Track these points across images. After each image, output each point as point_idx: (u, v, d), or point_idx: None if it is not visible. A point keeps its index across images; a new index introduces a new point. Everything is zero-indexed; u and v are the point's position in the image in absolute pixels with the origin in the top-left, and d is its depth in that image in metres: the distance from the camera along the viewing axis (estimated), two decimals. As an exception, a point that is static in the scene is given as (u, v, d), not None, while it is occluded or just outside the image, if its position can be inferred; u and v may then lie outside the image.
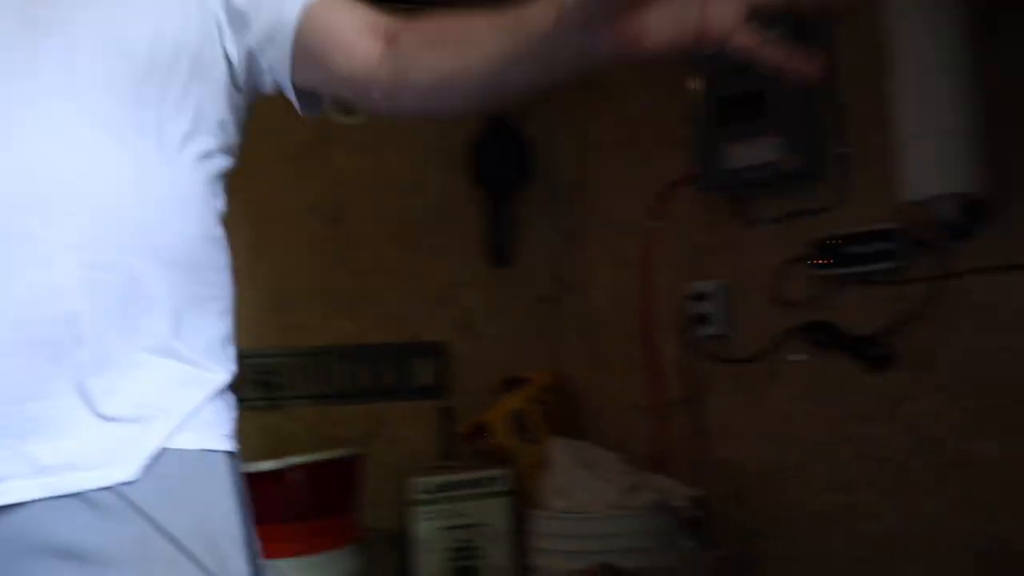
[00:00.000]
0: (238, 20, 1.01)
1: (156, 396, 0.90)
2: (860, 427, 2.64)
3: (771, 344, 2.77)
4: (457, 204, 3.20)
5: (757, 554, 2.82)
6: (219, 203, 1.02)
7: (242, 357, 1.02)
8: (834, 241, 2.61)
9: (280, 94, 1.06)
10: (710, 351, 2.90)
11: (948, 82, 2.25)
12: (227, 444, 0.96)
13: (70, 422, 0.86)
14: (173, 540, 0.86)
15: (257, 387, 2.97)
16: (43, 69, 0.89)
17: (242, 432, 0.98)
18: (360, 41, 0.99)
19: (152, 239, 0.91)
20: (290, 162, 2.99)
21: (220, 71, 1.00)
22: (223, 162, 1.02)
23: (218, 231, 1.01)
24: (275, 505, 2.51)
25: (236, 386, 0.99)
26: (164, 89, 0.94)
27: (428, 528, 2.98)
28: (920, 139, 2.28)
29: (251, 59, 1.02)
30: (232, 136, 1.04)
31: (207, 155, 0.99)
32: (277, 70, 1.02)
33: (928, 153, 2.27)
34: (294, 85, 1.03)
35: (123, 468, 0.86)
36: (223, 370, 0.97)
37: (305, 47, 1.01)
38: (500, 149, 3.16)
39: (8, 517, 0.84)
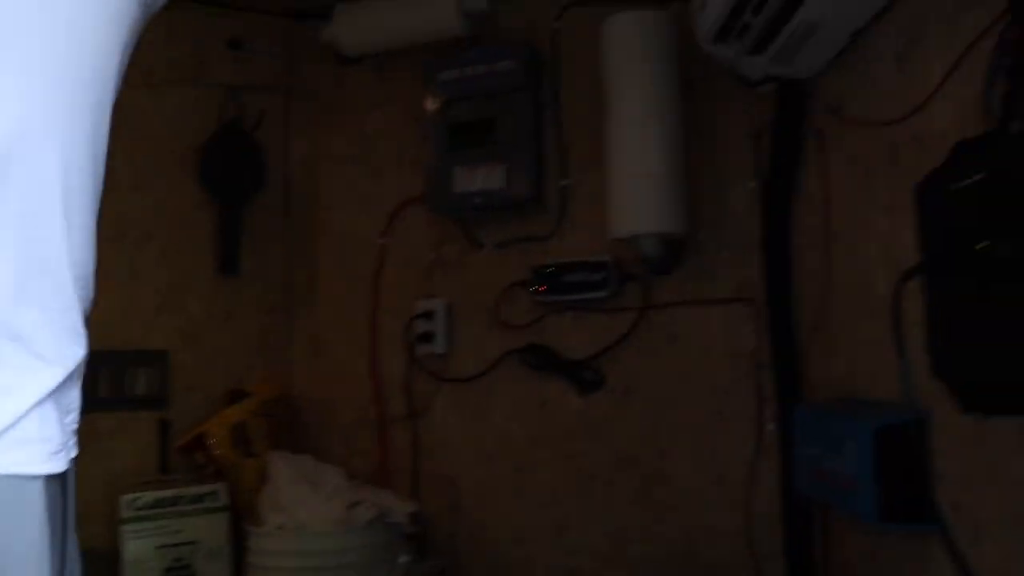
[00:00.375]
0: None
1: None
2: (571, 445, 2.80)
3: (491, 364, 2.87)
4: (184, 208, 3.07)
5: (473, 566, 2.91)
6: (103, 135, 0.85)
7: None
8: (552, 269, 2.75)
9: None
10: (433, 369, 2.96)
11: (654, 131, 2.44)
12: (48, 465, 0.78)
13: None
14: None
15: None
16: None
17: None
18: None
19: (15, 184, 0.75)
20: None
21: None
22: (110, 90, 0.86)
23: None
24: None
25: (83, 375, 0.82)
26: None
27: (140, 546, 2.84)
28: (627, 181, 2.45)
29: None
30: (123, 64, 0.88)
31: (92, 81, 0.83)
32: None
33: (634, 194, 2.45)
34: None
35: None
36: (61, 358, 0.80)
37: None
38: (232, 154, 3.07)
39: None
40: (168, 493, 2.88)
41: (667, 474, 2.68)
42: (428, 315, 2.94)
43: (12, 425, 0.76)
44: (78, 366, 0.82)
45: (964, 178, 1.28)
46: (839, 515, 2.19)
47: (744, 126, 2.60)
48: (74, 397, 0.83)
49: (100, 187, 0.87)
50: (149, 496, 2.85)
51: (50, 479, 0.79)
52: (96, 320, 2.95)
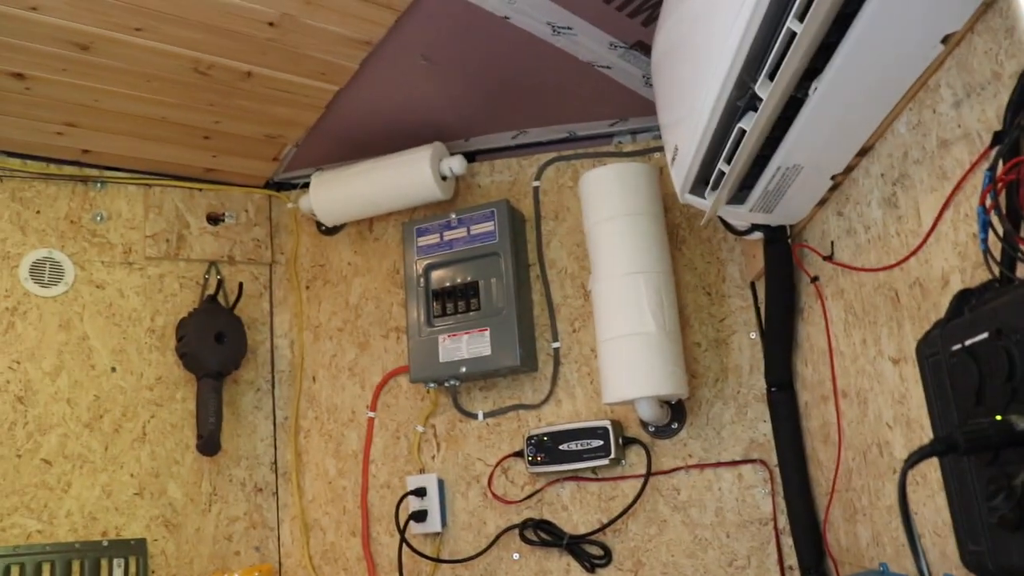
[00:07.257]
0: None
1: None
2: (579, 628, 2.54)
3: (490, 542, 2.65)
4: (162, 388, 2.93)
5: None
6: None
7: None
8: (547, 437, 2.56)
9: None
10: (428, 549, 2.73)
11: (640, 288, 2.29)
12: None
13: None
14: None
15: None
16: None
17: None
18: None
19: None
20: (-37, 335, 2.67)
21: None
22: None
23: None
24: None
25: None
26: None
27: None
28: (616, 342, 2.29)
29: None
30: None
31: None
32: None
33: (625, 356, 2.28)
34: None
35: None
36: None
37: None
38: (212, 330, 2.93)
39: None
40: None
41: (686, 660, 2.41)
42: (420, 492, 2.74)
43: None
44: None
45: (967, 336, 1.11)
46: None
47: (739, 275, 2.46)
48: None
49: None
50: None
51: None
52: (70, 510, 2.77)
